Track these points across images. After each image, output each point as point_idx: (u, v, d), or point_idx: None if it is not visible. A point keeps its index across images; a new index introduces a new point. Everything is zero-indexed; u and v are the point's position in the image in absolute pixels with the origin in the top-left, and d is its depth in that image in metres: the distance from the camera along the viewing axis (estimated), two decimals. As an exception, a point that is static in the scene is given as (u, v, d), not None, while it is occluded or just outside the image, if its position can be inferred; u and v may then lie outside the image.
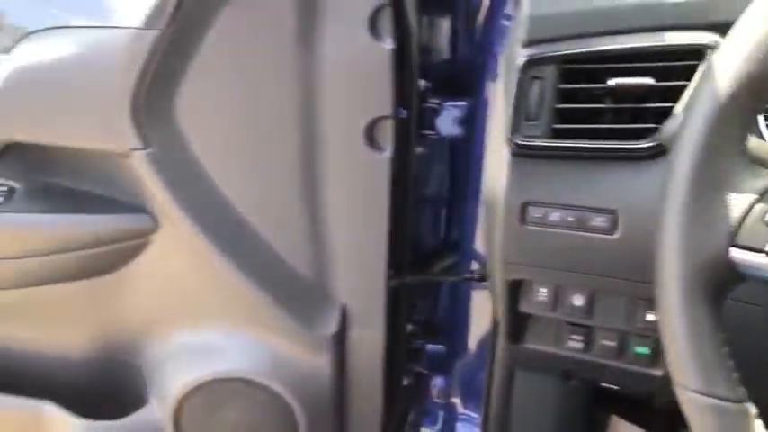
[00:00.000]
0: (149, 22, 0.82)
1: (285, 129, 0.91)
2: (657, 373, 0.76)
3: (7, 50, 0.87)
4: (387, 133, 0.91)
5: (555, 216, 0.65)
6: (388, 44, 0.86)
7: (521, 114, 0.65)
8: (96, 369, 1.12)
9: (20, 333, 1.09)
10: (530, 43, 0.65)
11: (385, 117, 0.90)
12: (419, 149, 1.03)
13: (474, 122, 1.05)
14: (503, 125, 0.67)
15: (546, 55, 0.64)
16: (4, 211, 0.95)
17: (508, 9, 0.96)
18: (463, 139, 1.07)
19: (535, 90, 0.65)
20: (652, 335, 0.73)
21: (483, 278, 1.06)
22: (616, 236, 0.64)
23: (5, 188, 0.98)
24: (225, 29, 0.85)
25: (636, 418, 1.15)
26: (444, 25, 1.04)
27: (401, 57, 0.89)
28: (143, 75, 0.84)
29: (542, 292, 0.73)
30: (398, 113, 0.92)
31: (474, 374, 1.24)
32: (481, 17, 1.02)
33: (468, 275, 1.08)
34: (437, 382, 1.28)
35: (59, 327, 1.09)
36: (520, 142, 0.65)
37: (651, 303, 0.70)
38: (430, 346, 1.24)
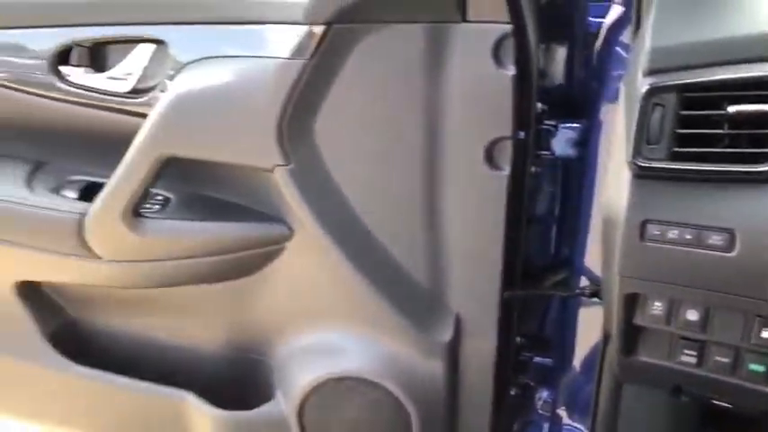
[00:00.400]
0: (296, 53, 0.92)
1: (411, 148, 0.98)
2: (772, 390, 0.77)
3: (170, 78, 0.99)
4: (506, 153, 0.97)
5: (673, 233, 0.69)
6: (511, 70, 0.92)
7: (642, 138, 0.70)
8: (228, 364, 1.22)
9: (163, 327, 1.22)
10: (652, 72, 0.70)
11: (505, 138, 0.96)
12: (534, 168, 1.08)
13: (588, 144, 1.09)
14: (623, 148, 0.72)
15: (668, 84, 0.69)
16: (160, 218, 1.07)
17: (624, 37, 1.00)
18: (577, 160, 1.12)
19: (656, 116, 0.69)
20: (768, 351, 0.75)
21: (594, 294, 1.09)
22: (734, 253, 0.68)
23: (162, 198, 1.11)
24: (361, 59, 0.94)
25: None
26: (562, 52, 1.09)
27: (521, 81, 0.94)
28: (288, 99, 0.94)
29: (657, 306, 0.77)
30: (517, 134, 0.98)
31: (580, 388, 1.26)
32: (598, 44, 1.07)
33: (579, 291, 1.11)
34: (543, 394, 1.31)
35: (199, 324, 1.21)
36: (641, 164, 0.70)
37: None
38: (537, 359, 1.28)
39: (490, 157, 0.97)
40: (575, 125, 1.10)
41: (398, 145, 0.99)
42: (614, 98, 1.03)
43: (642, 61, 0.71)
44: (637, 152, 0.71)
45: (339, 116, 0.98)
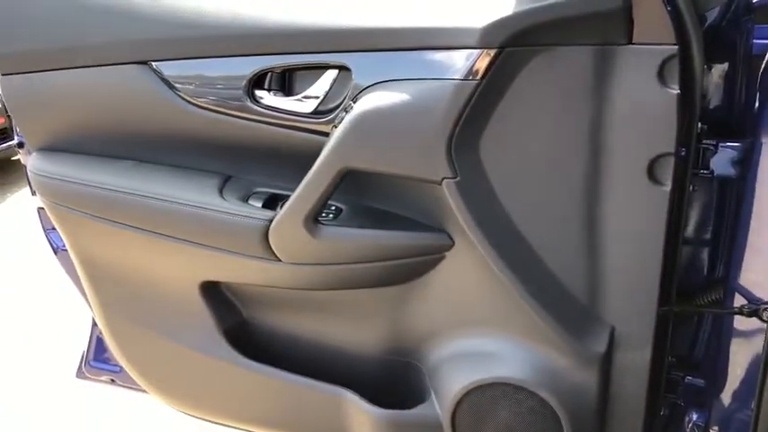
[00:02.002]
0: (469, 75, 1.01)
1: (573, 163, 1.04)
2: None
3: (352, 99, 1.10)
4: (668, 169, 1.00)
5: None
6: (675, 89, 0.96)
7: None
8: (384, 365, 1.31)
9: (327, 329, 1.32)
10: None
11: (667, 154, 0.99)
12: (693, 186, 1.11)
13: (748, 164, 1.11)
14: None
15: None
16: (336, 225, 1.18)
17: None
18: (736, 179, 1.13)
19: None
20: None
21: (753, 313, 1.10)
22: None
23: (334, 208, 1.22)
24: (529, 79, 1.01)
25: None
26: (725, 73, 1.12)
27: (685, 100, 0.98)
28: (459, 117, 1.02)
29: None
30: (679, 151, 1.01)
31: (734, 411, 1.25)
32: (763, 66, 1.09)
33: (738, 310, 1.12)
34: (693, 416, 1.30)
35: (360, 327, 1.30)
36: None
37: None
38: (689, 379, 1.28)
39: (652, 173, 1.01)
40: (735, 144, 1.12)
41: (561, 160, 1.05)
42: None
43: None
44: None
45: (504, 134, 1.05)
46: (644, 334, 1.10)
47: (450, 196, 1.06)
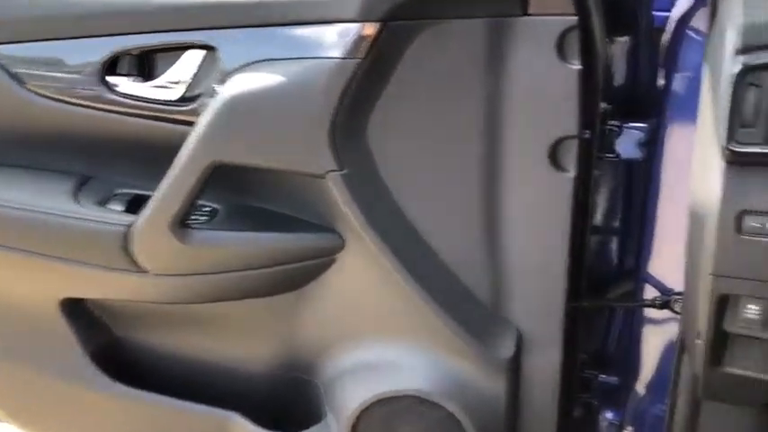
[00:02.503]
0: (348, 53, 0.89)
1: (470, 150, 0.94)
2: None
3: (220, 83, 0.96)
4: (571, 153, 0.92)
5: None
6: (576, 65, 0.87)
7: (736, 122, 0.65)
8: (275, 383, 1.18)
9: (210, 345, 1.18)
10: (745, 50, 0.65)
11: (570, 137, 0.91)
12: (598, 171, 1.03)
13: (654, 145, 1.04)
14: (713, 134, 0.67)
15: (764, 62, 0.64)
16: (208, 229, 1.03)
17: (695, 22, 0.95)
18: (643, 162, 1.06)
19: (751, 96, 0.64)
20: None
21: (665, 305, 1.03)
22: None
23: (209, 209, 1.08)
24: (416, 57, 0.91)
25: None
26: (626, 47, 1.05)
27: (587, 77, 0.90)
28: (341, 102, 0.90)
29: (752, 310, 0.71)
30: (582, 134, 0.93)
31: (648, 408, 1.19)
32: (665, 39, 1.02)
33: (649, 302, 1.05)
34: (608, 414, 1.24)
35: (243, 340, 1.16)
36: (736, 149, 0.65)
37: None
38: (602, 377, 1.21)
39: (554, 158, 0.92)
40: (640, 125, 1.04)
41: (456, 147, 0.95)
42: (683, 94, 0.98)
43: (732, 40, 0.66)
44: (731, 137, 0.65)
45: (393, 118, 0.94)
46: (553, 333, 1.02)
47: (335, 191, 0.94)
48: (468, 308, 1.03)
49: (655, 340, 1.16)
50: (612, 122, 1.03)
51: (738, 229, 0.65)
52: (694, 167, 0.72)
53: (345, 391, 1.10)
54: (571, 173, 0.93)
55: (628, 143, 1.04)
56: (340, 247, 1.02)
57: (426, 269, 1.00)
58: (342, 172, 0.93)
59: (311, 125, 0.92)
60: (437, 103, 0.93)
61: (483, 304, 1.03)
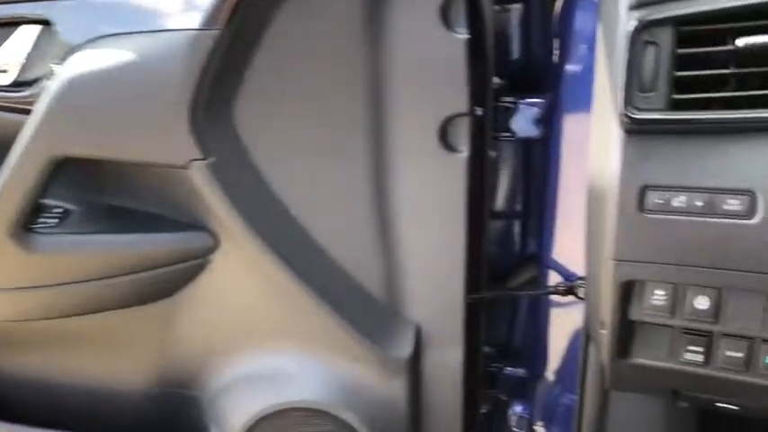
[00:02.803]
0: (207, 22, 0.77)
1: (352, 130, 0.85)
2: (794, 387, 0.66)
3: (60, 62, 0.83)
4: (462, 132, 0.84)
5: (679, 200, 0.56)
6: (462, 34, 0.79)
7: (633, 86, 0.57)
8: (154, 401, 1.06)
9: (71, 364, 1.04)
10: (640, 5, 0.57)
11: (460, 114, 0.83)
12: (494, 153, 0.96)
13: (551, 122, 0.97)
14: (610, 101, 0.59)
15: (661, 16, 0.56)
16: (58, 233, 0.89)
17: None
18: (540, 141, 0.99)
19: (649, 57, 0.57)
20: (791, 340, 0.63)
21: (569, 291, 0.97)
22: (755, 220, 0.55)
23: (61, 209, 0.93)
24: (286, 25, 0.80)
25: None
26: (518, 16, 0.97)
27: (475, 47, 0.82)
28: (201, 79, 0.78)
29: (659, 295, 0.64)
30: (474, 111, 0.85)
31: (557, 399, 1.14)
32: (557, 5, 0.95)
33: (552, 289, 0.98)
34: (517, 408, 1.18)
35: (113, 358, 1.03)
36: (634, 116, 0.57)
37: (795, 301, 0.60)
38: (508, 370, 1.15)
39: (445, 138, 0.84)
40: (536, 101, 0.97)
41: (337, 128, 0.85)
42: (581, 65, 0.91)
43: None
44: (628, 102, 0.57)
45: (264, 98, 0.83)
46: (453, 328, 0.94)
47: (201, 183, 0.83)
48: (360, 307, 0.93)
49: (563, 328, 1.10)
50: (506, 99, 0.96)
51: (640, 206, 0.58)
52: (592, 141, 0.65)
53: (231, 407, 0.99)
54: (463, 153, 0.85)
55: (524, 121, 0.97)
56: (213, 247, 0.90)
57: (312, 267, 0.90)
58: (207, 161, 0.82)
59: (167, 108, 0.80)
60: (313, 80, 0.83)
61: (377, 302, 0.94)
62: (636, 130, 0.58)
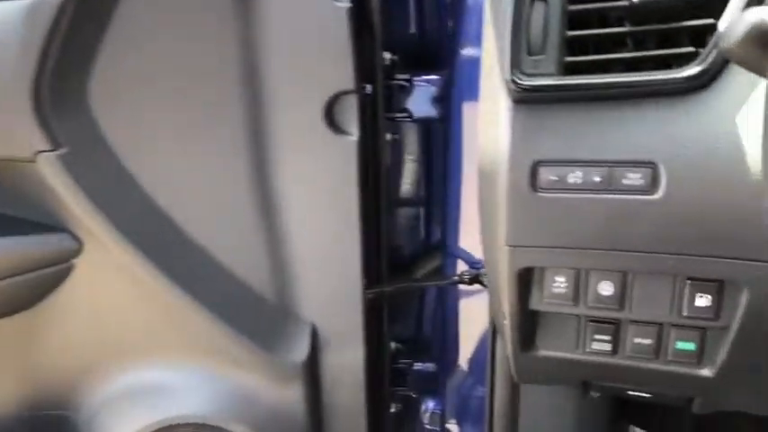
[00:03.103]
0: (45, -10, 0.67)
1: (227, 113, 0.76)
2: (705, 373, 0.62)
3: None
4: (351, 112, 0.76)
5: (575, 176, 0.51)
6: (344, 2, 0.71)
7: (520, 48, 0.51)
8: (23, 427, 0.94)
9: None
10: (525, -43, 0.51)
11: (347, 92, 0.75)
12: (389, 136, 0.89)
13: (450, 101, 0.90)
14: (497, 65, 0.53)
15: None
16: None
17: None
18: (439, 121, 0.92)
19: (537, 15, 0.50)
20: (700, 324, 0.58)
21: (475, 280, 0.91)
22: (658, 195, 0.49)
23: None
24: None
25: (661, 429, 1.01)
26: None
27: (361, 20, 0.74)
28: (44, 56, 0.68)
29: (560, 282, 0.58)
30: (362, 88, 0.78)
31: (470, 393, 1.09)
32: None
33: (456, 278, 0.93)
34: (429, 405, 1.12)
35: None
36: (523, 83, 0.51)
37: (703, 283, 0.55)
38: (417, 366, 1.08)
39: (331, 119, 0.76)
40: (432, 78, 0.90)
41: (210, 111, 0.76)
42: (473, 39, 0.85)
43: None
44: (515, 67, 0.51)
45: (123, 77, 0.73)
46: (352, 325, 0.88)
47: (52, 178, 0.72)
48: (248, 309, 0.85)
49: (474, 319, 1.05)
50: (400, 76, 0.88)
51: (533, 184, 0.52)
52: (481, 113, 0.58)
53: (110, 427, 0.89)
54: (353, 136, 0.77)
55: (420, 100, 0.90)
56: (76, 250, 0.80)
57: (189, 268, 0.81)
58: (57, 152, 0.71)
59: (5, 92, 0.69)
60: (179, 56, 0.73)
61: (267, 302, 0.86)
62: (525, 98, 0.51)
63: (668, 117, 0.49)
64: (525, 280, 0.59)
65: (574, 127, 0.50)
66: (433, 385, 1.12)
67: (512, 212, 0.53)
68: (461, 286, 1.02)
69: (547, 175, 0.51)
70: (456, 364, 1.10)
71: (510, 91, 0.51)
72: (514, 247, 0.55)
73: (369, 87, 0.81)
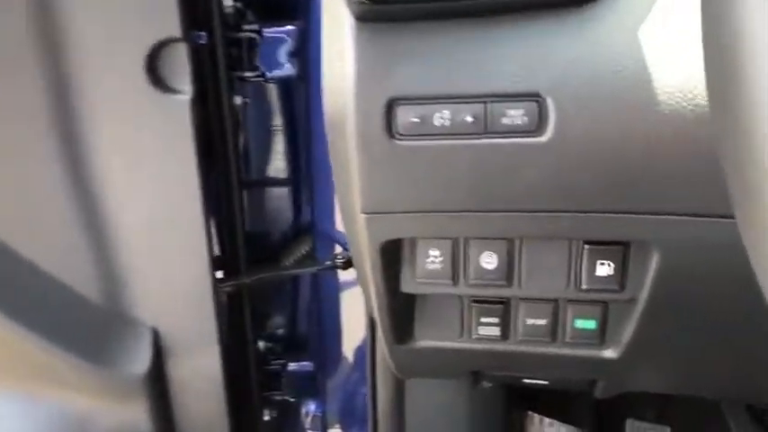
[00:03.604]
0: None
1: (21, 66, 0.60)
2: (608, 354, 0.53)
3: None
4: (179, 65, 0.62)
5: (442, 117, 0.39)
6: None
7: None
8: None
9: None
10: None
11: (173, 40, 0.61)
12: (240, 100, 0.75)
13: (308, 55, 0.77)
14: None
15: None
16: None
17: None
18: (298, 81, 0.79)
19: None
20: (602, 298, 0.49)
21: (350, 263, 0.80)
22: (545, 137, 0.39)
23: None
24: None
25: (561, 413, 0.94)
26: None
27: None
28: None
29: (434, 257, 0.47)
30: (195, 36, 0.64)
31: (356, 391, 0.98)
32: None
33: (329, 263, 0.80)
34: (310, 408, 1.00)
35: None
36: None
37: (605, 248, 0.46)
38: (293, 365, 0.96)
39: (155, 73, 0.61)
40: (287, 28, 0.77)
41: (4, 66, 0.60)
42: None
43: None
44: None
45: None
46: (204, 326, 0.74)
47: None
48: (73, 319, 0.70)
49: (357, 309, 0.94)
50: (248, 27, 0.74)
51: (389, 130, 0.40)
52: (325, 47, 0.46)
53: None
54: (185, 94, 0.63)
55: (273, 55, 0.76)
56: None
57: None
58: None
59: None
60: None
61: (97, 308, 0.71)
62: (371, 14, 0.39)
63: (556, 35, 0.38)
64: (391, 256, 0.47)
65: (437, 51, 0.38)
66: (312, 386, 0.99)
67: (365, 169, 0.41)
68: (342, 275, 0.90)
69: (406, 116, 0.39)
70: (339, 361, 0.99)
71: (351, 5, 0.38)
72: (372, 214, 0.43)
73: (205, 38, 0.67)
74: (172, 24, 0.60)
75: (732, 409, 0.92)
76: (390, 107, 0.39)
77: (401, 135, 0.40)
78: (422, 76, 0.38)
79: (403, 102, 0.39)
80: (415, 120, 0.39)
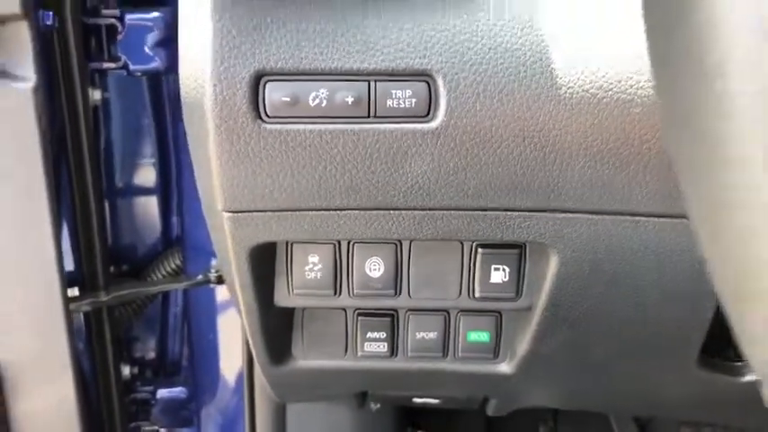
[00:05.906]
0: None
1: None
2: (502, 369, 0.49)
3: None
4: (21, 47, 0.53)
5: (318, 96, 0.34)
6: None
7: None
8: None
9: None
10: None
11: (12, 17, 0.52)
12: (98, 94, 0.67)
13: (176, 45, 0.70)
14: None
15: None
16: None
17: None
18: (166, 75, 0.72)
19: None
20: (496, 307, 0.45)
21: (221, 279, 0.73)
22: (435, 123, 0.34)
23: None
24: None
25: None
26: None
27: None
28: None
29: (313, 264, 0.42)
30: (41, 16, 0.55)
31: (234, 420, 0.91)
32: None
33: (201, 278, 0.73)
34: (183, 436, 0.92)
35: None
36: None
37: (500, 251, 0.42)
38: (164, 392, 0.87)
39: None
40: (152, 16, 0.69)
41: None
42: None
43: None
44: None
45: None
46: (53, 352, 0.65)
47: None
48: None
49: (233, 329, 0.86)
50: (107, 12, 0.66)
51: (256, 110, 0.34)
52: (182, 24, 0.39)
53: None
54: (28, 81, 0.54)
55: (137, 45, 0.68)
56: None
57: None
58: None
59: None
60: None
61: None
62: None
63: (450, 7, 0.33)
64: (263, 264, 0.41)
65: (312, 19, 0.33)
66: (185, 414, 0.91)
67: (226, 158, 0.35)
68: (219, 291, 0.83)
69: (275, 94, 0.33)
70: (216, 385, 0.91)
71: None
72: (237, 213, 0.37)
73: (54, 18, 0.59)
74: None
75: (620, 422, 0.92)
76: (256, 83, 0.33)
77: (269, 117, 0.34)
78: (294, 48, 0.33)
79: (272, 77, 0.33)
80: (286, 99, 0.33)
